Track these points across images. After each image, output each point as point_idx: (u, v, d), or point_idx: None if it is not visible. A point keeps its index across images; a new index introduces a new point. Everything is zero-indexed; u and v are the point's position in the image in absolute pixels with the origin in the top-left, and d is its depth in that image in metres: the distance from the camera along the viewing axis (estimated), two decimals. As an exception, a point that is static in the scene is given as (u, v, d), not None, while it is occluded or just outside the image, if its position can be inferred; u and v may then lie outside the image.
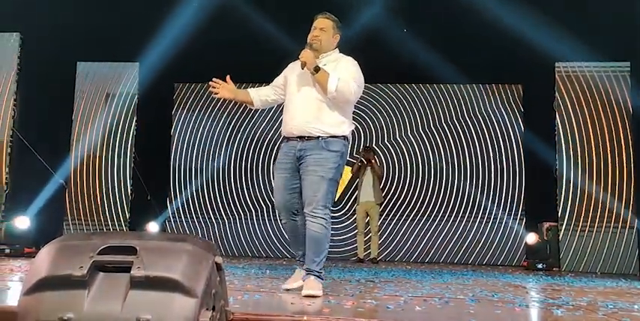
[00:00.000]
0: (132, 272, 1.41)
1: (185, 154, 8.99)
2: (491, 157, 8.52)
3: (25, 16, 6.99)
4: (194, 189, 8.85)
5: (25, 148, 7.09)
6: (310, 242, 3.13)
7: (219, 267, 1.61)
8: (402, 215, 8.51)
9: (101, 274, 1.45)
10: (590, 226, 7.05)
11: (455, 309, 2.73)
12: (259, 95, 3.45)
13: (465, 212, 8.40)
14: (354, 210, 7.93)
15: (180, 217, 8.80)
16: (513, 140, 8.50)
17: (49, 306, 1.41)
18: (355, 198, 7.89)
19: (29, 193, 7.16)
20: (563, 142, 7.26)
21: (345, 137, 3.23)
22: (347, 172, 8.10)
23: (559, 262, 7.06)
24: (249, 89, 3.48)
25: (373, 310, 2.62)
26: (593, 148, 7.18)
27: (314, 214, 3.10)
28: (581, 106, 7.27)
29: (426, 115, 8.72)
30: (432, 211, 8.48)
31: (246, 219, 8.71)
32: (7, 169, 6.94)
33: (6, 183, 6.91)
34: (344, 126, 3.23)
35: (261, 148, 8.88)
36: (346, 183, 8.45)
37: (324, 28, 3.27)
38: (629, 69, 7.23)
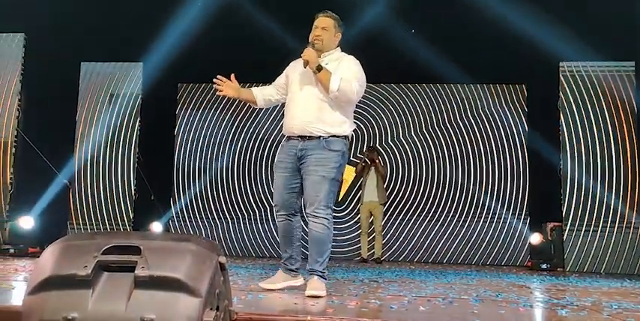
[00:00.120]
0: (136, 272, 1.41)
1: (189, 154, 9.00)
2: (495, 157, 8.51)
3: (29, 17, 7.01)
4: (198, 189, 8.86)
5: (29, 148, 7.12)
6: (313, 242, 3.13)
7: (222, 267, 1.61)
8: (405, 215, 8.50)
9: (105, 273, 1.45)
10: (594, 226, 7.03)
11: (459, 309, 2.73)
12: (263, 94, 3.45)
13: (468, 212, 8.39)
14: (358, 210, 7.93)
15: (183, 217, 8.81)
16: (517, 140, 8.48)
17: (54, 305, 1.41)
18: (359, 198, 7.88)
19: (33, 193, 7.18)
20: (567, 141, 7.24)
21: (346, 137, 3.23)
22: (351, 172, 8.11)
23: (563, 263, 7.04)
24: (252, 88, 3.48)
25: (377, 310, 2.62)
26: (598, 148, 7.16)
27: (316, 215, 3.09)
28: (586, 106, 7.25)
29: (429, 115, 8.71)
30: (435, 212, 8.47)
31: (249, 219, 8.72)
32: (11, 169, 6.96)
33: (10, 183, 6.93)
34: (345, 126, 3.22)
35: (265, 148, 8.88)
36: (350, 183, 8.44)
37: (325, 27, 3.27)
38: (633, 69, 7.21)
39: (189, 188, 8.89)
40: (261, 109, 8.48)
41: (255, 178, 8.85)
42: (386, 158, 8.60)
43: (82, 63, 8.06)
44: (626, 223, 6.95)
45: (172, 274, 1.41)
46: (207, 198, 8.85)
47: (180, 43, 7.30)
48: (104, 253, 1.46)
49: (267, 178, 8.78)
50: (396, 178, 8.62)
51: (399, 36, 7.27)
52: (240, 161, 8.92)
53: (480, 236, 8.31)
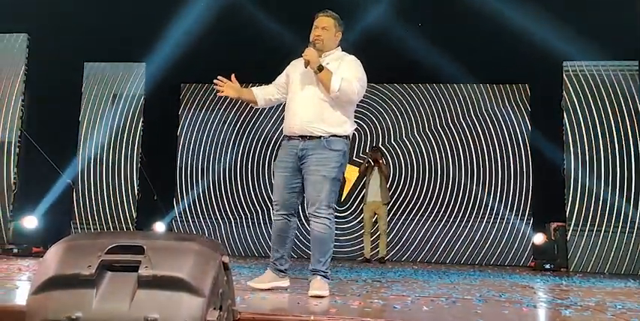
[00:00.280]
0: (139, 271, 1.41)
1: (192, 154, 9.01)
2: (499, 157, 8.49)
3: (33, 18, 7.02)
4: (201, 189, 8.87)
5: (32, 148, 7.13)
6: (315, 242, 3.13)
7: (226, 266, 1.61)
8: (408, 215, 8.49)
9: (109, 273, 1.45)
10: (598, 227, 7.00)
11: (462, 309, 2.72)
12: (263, 94, 3.45)
13: (472, 212, 8.38)
14: (361, 210, 7.93)
15: (186, 217, 8.82)
16: (520, 140, 8.47)
17: (57, 305, 1.41)
18: (362, 198, 7.88)
19: (37, 193, 7.20)
20: (570, 141, 7.21)
21: (347, 136, 3.23)
22: (354, 172, 8.10)
23: (567, 263, 7.02)
24: (253, 88, 3.48)
25: (380, 310, 2.62)
26: (602, 148, 7.13)
27: (318, 214, 3.09)
28: (589, 106, 7.22)
29: (432, 115, 8.70)
30: (438, 212, 8.46)
31: (252, 219, 8.72)
32: (15, 170, 6.97)
33: (14, 183, 6.94)
34: (346, 125, 3.22)
35: (267, 148, 8.89)
36: (353, 182, 8.44)
37: (325, 26, 3.27)
38: (637, 68, 7.19)
39: (192, 188, 8.90)
40: (264, 110, 8.49)
41: (258, 178, 8.85)
42: (389, 158, 8.59)
43: (85, 63, 8.07)
44: (630, 223, 6.92)
45: (176, 274, 1.42)
46: (210, 198, 8.86)
47: (183, 43, 7.31)
48: (108, 252, 1.46)
49: (269, 178, 8.78)
50: (399, 178, 8.62)
51: (401, 35, 7.26)
52: (243, 161, 8.93)
53: (483, 236, 8.30)
